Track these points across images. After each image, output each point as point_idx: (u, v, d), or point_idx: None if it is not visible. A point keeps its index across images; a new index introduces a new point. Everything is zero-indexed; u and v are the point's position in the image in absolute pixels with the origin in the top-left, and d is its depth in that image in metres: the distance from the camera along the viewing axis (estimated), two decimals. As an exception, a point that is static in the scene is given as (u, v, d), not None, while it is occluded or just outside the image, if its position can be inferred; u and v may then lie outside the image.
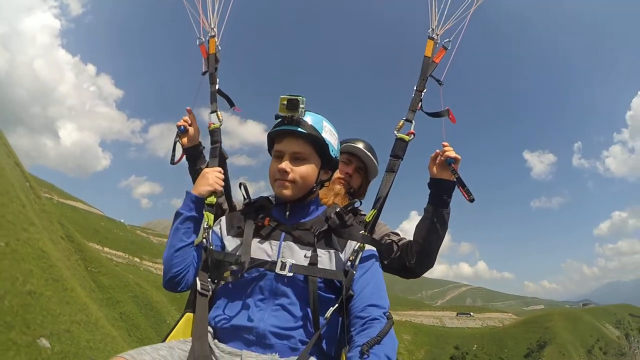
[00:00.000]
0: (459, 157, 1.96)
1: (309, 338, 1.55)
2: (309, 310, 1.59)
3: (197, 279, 1.71)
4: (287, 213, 1.83)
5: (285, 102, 1.71)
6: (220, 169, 2.02)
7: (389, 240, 2.12)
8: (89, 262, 21.91)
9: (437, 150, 2.00)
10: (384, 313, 1.57)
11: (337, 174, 2.31)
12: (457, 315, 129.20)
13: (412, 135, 1.99)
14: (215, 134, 2.18)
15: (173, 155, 2.26)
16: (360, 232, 1.77)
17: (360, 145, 2.48)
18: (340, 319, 1.64)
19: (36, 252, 10.83)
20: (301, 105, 1.72)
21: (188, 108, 2.27)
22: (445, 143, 1.99)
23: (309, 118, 1.78)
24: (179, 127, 2.23)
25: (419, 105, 2.03)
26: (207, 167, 2.08)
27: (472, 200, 1.92)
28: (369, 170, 2.52)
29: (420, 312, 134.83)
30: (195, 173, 2.25)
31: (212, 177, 1.93)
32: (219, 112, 2.23)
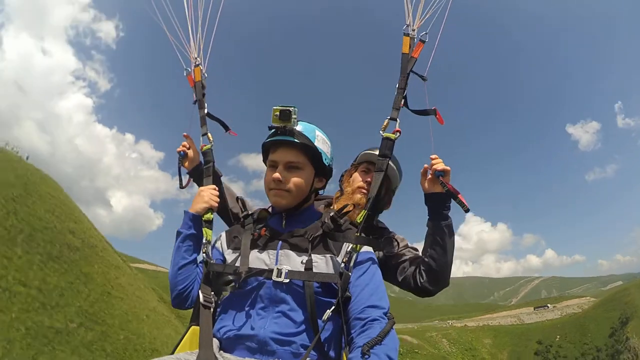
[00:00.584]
0: (448, 168, 1.96)
1: (311, 342, 1.55)
2: (308, 315, 1.59)
3: (200, 291, 1.75)
4: (284, 222, 1.86)
5: (278, 113, 1.76)
6: (214, 186, 2.08)
7: (403, 259, 2.12)
8: (184, 319, 23.03)
9: (426, 165, 2.01)
10: (384, 314, 1.56)
11: (358, 183, 2.31)
12: (534, 309, 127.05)
13: (398, 133, 1.94)
14: (207, 154, 2.23)
15: (180, 180, 2.38)
16: (355, 234, 1.76)
17: (368, 151, 2.39)
18: (340, 321, 1.63)
19: (161, 317, 14.62)
20: (293, 116, 1.77)
21: (185, 134, 2.39)
22: (433, 156, 1.99)
23: (301, 127, 1.82)
24: (179, 152, 2.36)
25: (402, 102, 1.99)
26: (202, 185, 2.13)
27: (467, 211, 1.93)
28: (390, 179, 2.30)
29: (497, 314, 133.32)
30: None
31: (207, 194, 2.00)
32: (209, 134, 2.29)
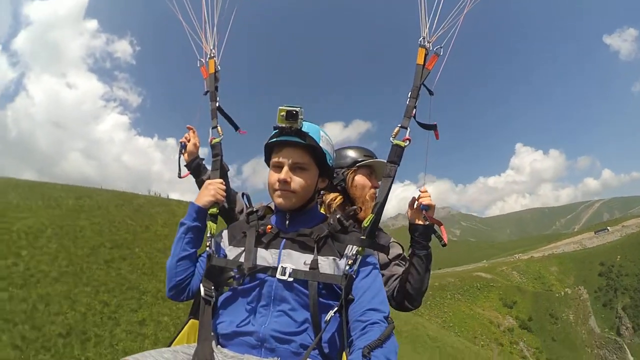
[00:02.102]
0: (433, 204, 2.06)
1: (311, 342, 1.56)
2: (309, 315, 1.59)
3: (202, 285, 1.73)
4: (287, 222, 1.84)
5: (284, 114, 1.72)
6: (221, 180, 2.05)
7: (392, 273, 2.22)
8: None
9: (414, 196, 2.10)
10: (385, 317, 1.56)
11: (371, 191, 2.42)
12: (595, 233, 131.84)
13: (408, 142, 1.93)
14: (216, 147, 2.22)
15: (179, 170, 2.44)
16: (360, 237, 1.76)
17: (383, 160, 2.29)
18: (341, 322, 1.62)
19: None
20: (300, 116, 1.73)
21: (188, 126, 2.45)
22: (423, 189, 2.09)
23: (306, 128, 1.78)
24: (180, 143, 2.42)
25: (414, 112, 1.99)
26: (208, 179, 2.11)
27: (444, 245, 2.05)
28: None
29: (560, 243, 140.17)
30: (200, 184, 2.37)
31: (213, 188, 1.97)
32: (219, 127, 2.27)
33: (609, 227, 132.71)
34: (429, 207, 2.07)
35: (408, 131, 1.96)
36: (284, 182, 1.75)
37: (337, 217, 1.81)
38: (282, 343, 1.55)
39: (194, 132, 2.46)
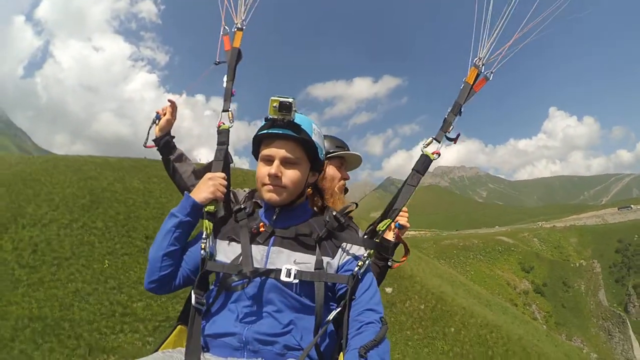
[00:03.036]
0: (408, 225, 2.14)
1: (295, 343, 1.54)
2: (294, 316, 1.57)
3: (193, 293, 1.63)
4: (274, 217, 1.76)
5: (277, 105, 1.64)
6: (224, 175, 1.86)
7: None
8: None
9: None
10: (380, 318, 1.56)
11: (341, 183, 2.38)
12: (618, 210, 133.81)
13: (437, 155, 1.89)
14: (223, 134, 1.98)
15: (146, 139, 2.23)
16: (363, 237, 1.76)
17: (355, 153, 2.45)
18: (338, 322, 1.60)
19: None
20: (293, 108, 1.65)
21: (170, 99, 2.21)
22: (405, 209, 2.04)
23: (299, 120, 1.71)
24: (156, 114, 2.22)
25: (450, 128, 1.93)
26: (210, 170, 1.90)
27: (390, 267, 2.13)
28: (354, 163, 2.54)
29: (583, 215, 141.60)
30: (166, 163, 2.22)
31: (213, 184, 1.78)
32: (231, 112, 2.03)
33: (632, 205, 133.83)
34: (402, 227, 2.15)
35: (439, 146, 1.90)
36: (275, 177, 1.67)
37: (334, 214, 1.77)
38: (266, 345, 1.52)
39: (172, 107, 2.22)
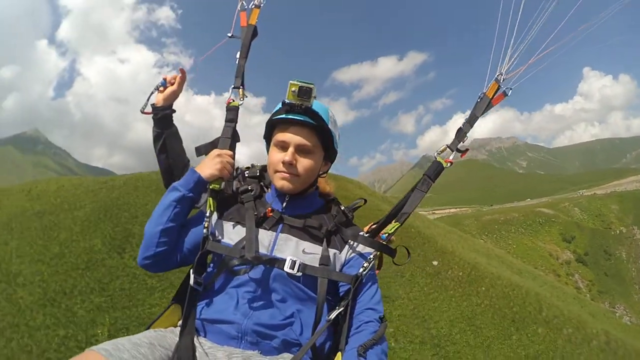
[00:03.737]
0: (393, 238, 2.00)
1: (294, 338, 1.49)
2: (297, 307, 1.54)
3: (192, 273, 1.56)
4: (284, 204, 1.72)
5: (296, 89, 1.56)
6: (231, 152, 1.78)
7: None
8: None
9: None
10: (380, 317, 1.56)
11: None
12: None
13: (449, 164, 1.85)
14: (232, 111, 1.89)
15: (145, 104, 1.97)
16: (375, 240, 1.71)
17: None
18: (337, 321, 1.56)
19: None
20: (313, 94, 1.57)
21: (181, 68, 2.00)
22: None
23: (316, 107, 1.64)
24: (163, 80, 1.99)
25: (465, 138, 1.90)
26: (216, 147, 1.81)
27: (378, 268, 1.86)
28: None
29: (624, 180, 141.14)
30: (157, 137, 1.97)
31: (221, 161, 1.70)
32: (242, 89, 1.96)
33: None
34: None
35: (453, 155, 1.87)
36: (289, 165, 1.62)
37: (342, 208, 1.76)
38: (264, 337, 1.47)
39: (183, 78, 1.99)
